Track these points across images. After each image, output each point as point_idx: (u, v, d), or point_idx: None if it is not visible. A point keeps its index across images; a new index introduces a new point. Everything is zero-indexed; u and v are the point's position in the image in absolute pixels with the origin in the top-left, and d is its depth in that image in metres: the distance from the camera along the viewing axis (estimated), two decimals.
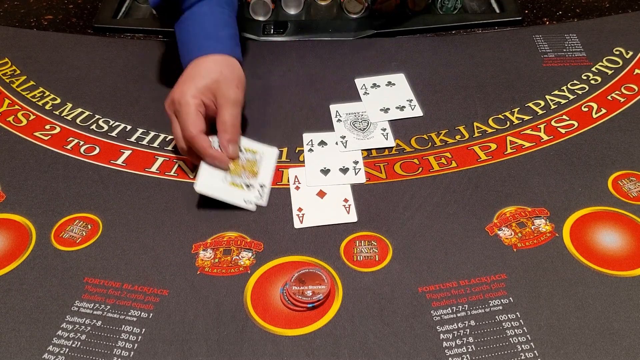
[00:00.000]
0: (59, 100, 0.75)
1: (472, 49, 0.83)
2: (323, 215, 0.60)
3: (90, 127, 0.71)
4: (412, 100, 0.73)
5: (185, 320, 0.51)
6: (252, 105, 0.75)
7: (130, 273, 0.55)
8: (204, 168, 0.61)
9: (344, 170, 0.64)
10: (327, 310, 0.52)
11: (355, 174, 0.64)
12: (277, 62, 0.82)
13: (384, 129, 0.70)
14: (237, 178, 0.60)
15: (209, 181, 0.60)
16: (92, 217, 0.60)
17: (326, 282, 0.53)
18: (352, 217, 0.60)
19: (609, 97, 0.74)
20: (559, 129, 0.69)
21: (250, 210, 0.60)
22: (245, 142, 0.65)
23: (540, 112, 0.72)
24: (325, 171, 0.64)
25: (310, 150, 0.67)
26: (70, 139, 0.70)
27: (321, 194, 0.62)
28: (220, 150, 0.62)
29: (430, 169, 0.65)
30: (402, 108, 0.72)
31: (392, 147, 0.67)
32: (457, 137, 0.69)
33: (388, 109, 0.72)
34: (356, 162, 0.65)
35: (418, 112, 0.72)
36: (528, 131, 0.69)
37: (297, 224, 0.59)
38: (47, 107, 0.74)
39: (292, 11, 0.91)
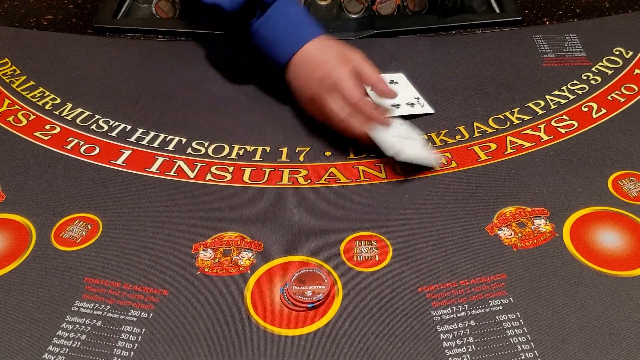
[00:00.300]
0: (59, 100, 0.75)
1: (472, 49, 0.83)
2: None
3: (90, 127, 0.71)
4: (419, 97, 0.73)
5: (185, 320, 0.51)
6: (252, 105, 0.75)
7: (130, 273, 0.55)
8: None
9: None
10: (327, 310, 0.52)
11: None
12: None
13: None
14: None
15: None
16: (92, 217, 0.60)
17: (326, 282, 0.53)
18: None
19: (609, 97, 0.74)
20: (559, 129, 0.70)
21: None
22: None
23: (540, 112, 0.72)
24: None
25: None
26: (70, 139, 0.70)
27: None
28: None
29: (431, 169, 0.65)
30: (412, 105, 0.72)
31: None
32: (457, 137, 0.69)
33: (398, 105, 0.71)
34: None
35: (428, 109, 0.72)
36: (528, 131, 0.69)
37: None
38: (47, 107, 0.74)
39: None
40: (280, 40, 0.69)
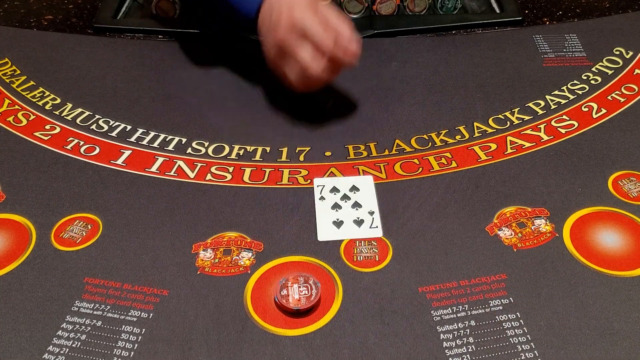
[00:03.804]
0: (59, 100, 0.75)
1: (472, 49, 0.83)
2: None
3: (90, 127, 0.71)
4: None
5: (185, 320, 0.51)
6: (252, 106, 0.75)
7: (130, 273, 0.55)
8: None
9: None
10: (327, 310, 0.52)
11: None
12: None
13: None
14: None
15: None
16: (92, 217, 0.60)
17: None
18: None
19: (609, 97, 0.74)
20: (559, 129, 0.70)
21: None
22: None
23: (541, 112, 0.72)
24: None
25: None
26: (70, 139, 0.70)
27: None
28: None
29: (430, 169, 0.65)
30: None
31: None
32: (457, 137, 0.69)
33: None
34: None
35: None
36: (528, 131, 0.69)
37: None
38: (47, 107, 0.74)
39: None
40: None
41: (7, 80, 0.78)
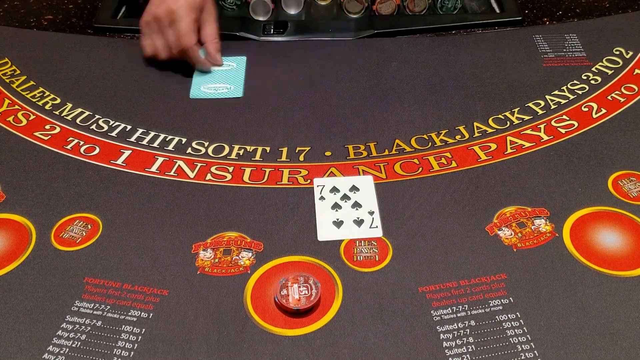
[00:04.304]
0: (59, 100, 0.75)
1: (472, 49, 0.83)
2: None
3: (90, 127, 0.71)
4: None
5: (185, 320, 0.51)
6: (252, 105, 0.75)
7: (130, 273, 0.55)
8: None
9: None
10: (327, 310, 0.52)
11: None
12: (277, 62, 0.82)
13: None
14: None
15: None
16: (92, 217, 0.60)
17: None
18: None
19: (609, 97, 0.74)
20: (559, 129, 0.70)
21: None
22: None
23: (540, 112, 0.72)
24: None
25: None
26: (70, 139, 0.70)
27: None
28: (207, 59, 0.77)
29: (430, 169, 0.65)
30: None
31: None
32: (457, 137, 0.69)
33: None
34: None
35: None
36: (528, 131, 0.69)
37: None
38: (47, 107, 0.74)
39: (292, 11, 0.91)
40: None
41: (7, 80, 0.78)
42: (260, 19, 0.89)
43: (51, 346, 0.49)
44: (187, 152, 0.68)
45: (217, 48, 0.78)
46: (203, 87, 0.77)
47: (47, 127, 0.71)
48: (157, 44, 0.76)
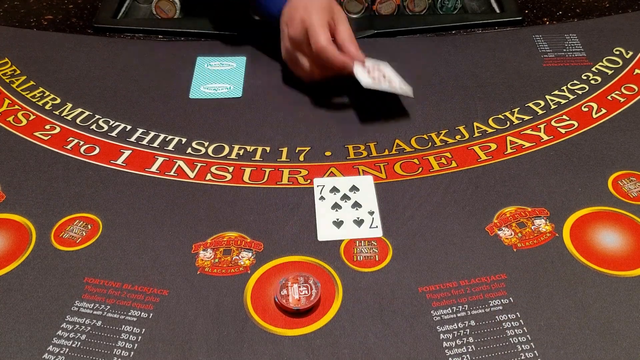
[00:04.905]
0: (59, 100, 0.75)
1: (472, 49, 0.83)
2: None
3: (90, 127, 0.71)
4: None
5: (185, 320, 0.51)
6: (252, 105, 0.75)
7: (130, 273, 0.55)
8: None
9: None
10: (327, 310, 0.52)
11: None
12: (277, 62, 0.82)
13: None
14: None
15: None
16: (92, 217, 0.60)
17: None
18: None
19: (609, 97, 0.74)
20: (559, 129, 0.70)
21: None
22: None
23: (540, 112, 0.72)
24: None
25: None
26: (70, 139, 0.70)
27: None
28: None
29: (430, 169, 0.65)
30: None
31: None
32: (457, 137, 0.69)
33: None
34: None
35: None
36: (528, 131, 0.69)
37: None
38: (47, 107, 0.74)
39: None
40: None
41: (7, 80, 0.78)
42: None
43: (51, 346, 0.49)
44: (187, 152, 0.68)
45: (356, 46, 0.72)
46: (203, 87, 0.77)
47: (47, 127, 0.71)
48: (303, 62, 0.72)
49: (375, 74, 0.69)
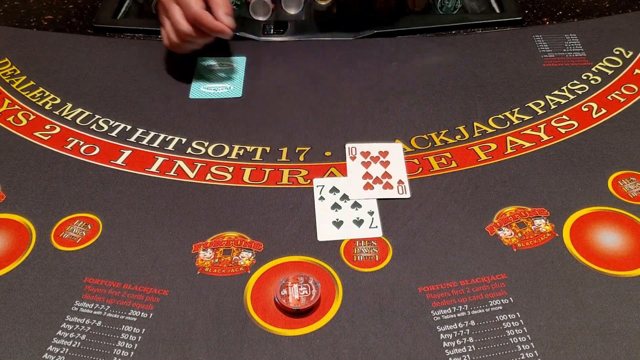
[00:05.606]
0: (59, 100, 0.75)
1: (472, 49, 0.83)
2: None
3: (90, 127, 0.71)
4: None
5: (185, 320, 0.51)
6: (252, 105, 0.75)
7: (130, 273, 0.55)
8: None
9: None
10: (327, 310, 0.52)
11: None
12: (277, 62, 0.82)
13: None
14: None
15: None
16: (92, 217, 0.60)
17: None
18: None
19: (609, 97, 0.74)
20: (559, 129, 0.70)
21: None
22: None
23: (540, 112, 0.72)
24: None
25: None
26: (70, 139, 0.70)
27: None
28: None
29: (430, 169, 0.65)
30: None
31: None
32: (457, 137, 0.69)
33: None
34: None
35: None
36: (528, 131, 0.69)
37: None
38: (47, 107, 0.74)
39: (292, 11, 0.91)
40: None
41: (7, 80, 0.78)
42: (260, 19, 0.89)
43: (51, 346, 0.49)
44: (187, 152, 0.68)
45: (227, 11, 0.69)
46: (203, 88, 0.77)
47: (47, 127, 0.71)
48: (167, 27, 0.73)
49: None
